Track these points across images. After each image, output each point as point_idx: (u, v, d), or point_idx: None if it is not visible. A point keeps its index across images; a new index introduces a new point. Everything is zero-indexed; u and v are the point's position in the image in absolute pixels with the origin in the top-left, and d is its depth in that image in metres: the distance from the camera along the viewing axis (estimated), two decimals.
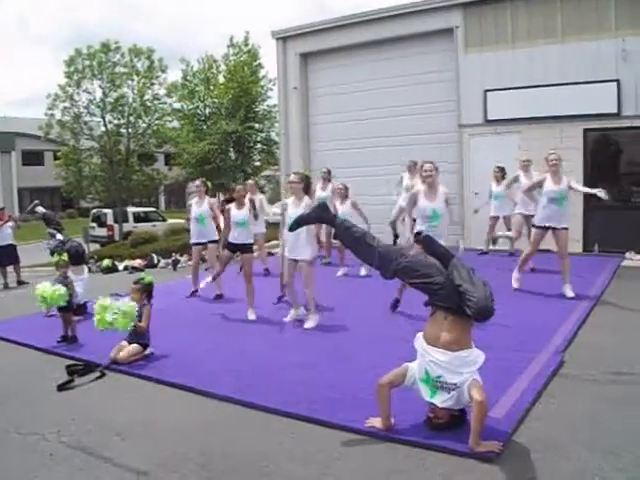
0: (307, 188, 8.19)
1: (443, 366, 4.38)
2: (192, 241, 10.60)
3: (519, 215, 11.45)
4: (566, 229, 9.06)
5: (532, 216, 9.97)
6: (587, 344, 6.77)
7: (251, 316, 8.62)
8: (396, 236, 13.02)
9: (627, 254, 12.39)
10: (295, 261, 8.10)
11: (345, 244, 5.42)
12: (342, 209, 10.92)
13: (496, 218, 12.42)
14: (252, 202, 9.02)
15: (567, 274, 9.06)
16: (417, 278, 4.61)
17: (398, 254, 4.75)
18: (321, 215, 5.37)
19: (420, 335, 4.63)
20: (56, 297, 7.36)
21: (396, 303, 8.43)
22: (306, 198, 8.02)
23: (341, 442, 4.55)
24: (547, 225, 9.12)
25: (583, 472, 3.94)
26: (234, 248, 8.90)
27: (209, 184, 10.65)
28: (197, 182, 10.80)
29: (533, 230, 9.53)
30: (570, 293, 8.91)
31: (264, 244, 12.98)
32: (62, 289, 7.46)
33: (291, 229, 6.09)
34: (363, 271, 11.24)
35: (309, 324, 8.01)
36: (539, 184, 9.26)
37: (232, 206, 8.91)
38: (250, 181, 13.13)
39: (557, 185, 9.00)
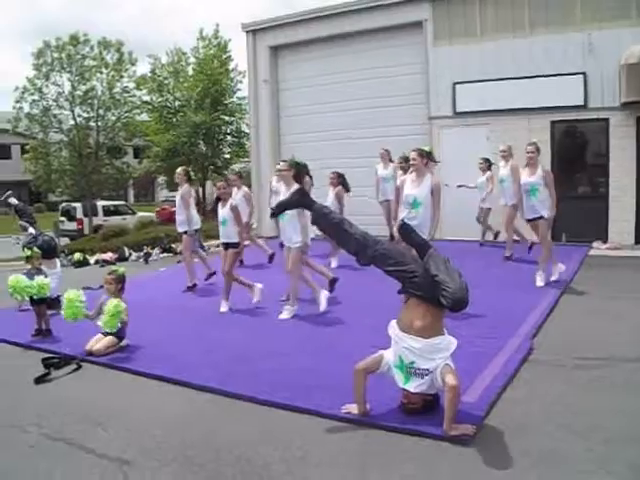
0: (298, 176, 8.17)
1: (416, 353, 4.49)
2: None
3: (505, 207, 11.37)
4: (542, 217, 9.11)
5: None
6: (557, 330, 6.97)
7: (223, 308, 8.67)
8: (392, 236, 12.81)
9: (594, 243, 12.66)
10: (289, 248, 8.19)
11: (322, 229, 5.49)
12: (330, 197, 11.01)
13: (489, 209, 12.52)
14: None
15: (542, 263, 9.20)
16: (392, 266, 4.72)
17: (374, 242, 4.85)
18: (300, 200, 5.49)
19: (394, 322, 4.73)
20: (43, 286, 7.40)
21: None
22: (296, 185, 7.87)
23: (319, 428, 4.66)
24: (528, 218, 9.34)
25: (554, 452, 4.08)
26: (224, 246, 8.95)
27: (191, 173, 10.53)
28: (179, 170, 10.65)
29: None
30: (540, 282, 9.06)
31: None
32: (46, 280, 7.49)
33: (273, 215, 6.24)
34: (334, 263, 11.24)
35: (284, 315, 8.08)
36: (519, 179, 9.43)
37: (220, 204, 8.94)
38: (232, 176, 12.63)
39: (530, 177, 9.10)
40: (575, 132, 13.63)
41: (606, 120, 12.78)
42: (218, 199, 9.27)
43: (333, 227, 5.10)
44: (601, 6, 12.61)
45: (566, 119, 13.29)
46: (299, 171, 8.27)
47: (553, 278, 9.33)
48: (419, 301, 4.58)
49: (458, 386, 4.32)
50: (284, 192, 8.09)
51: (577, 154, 13.69)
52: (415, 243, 4.99)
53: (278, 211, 6.08)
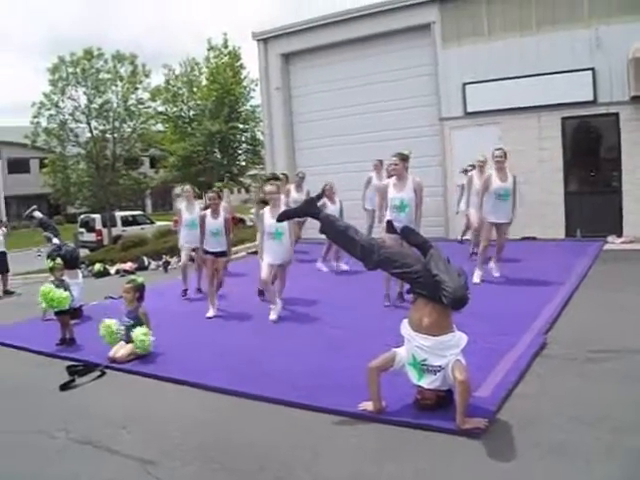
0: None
1: (428, 350, 4.62)
2: (183, 244, 10.76)
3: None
4: (509, 223, 9.49)
5: None
6: (570, 325, 7.03)
7: (209, 313, 8.86)
8: None
9: (609, 238, 12.67)
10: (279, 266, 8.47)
11: (329, 237, 5.75)
12: (333, 210, 11.02)
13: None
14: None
15: (498, 255, 9.71)
16: (397, 268, 4.92)
17: (379, 246, 5.03)
18: (308, 209, 5.66)
19: (405, 321, 4.87)
20: (62, 300, 7.55)
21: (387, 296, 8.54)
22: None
23: (335, 425, 4.80)
24: (492, 221, 9.44)
25: (564, 443, 4.18)
26: (214, 255, 9.10)
27: (197, 189, 10.78)
28: (186, 187, 11.02)
29: (484, 225, 9.74)
30: (477, 279, 9.30)
31: None
32: (66, 293, 7.67)
33: (279, 220, 6.43)
34: (344, 266, 11.45)
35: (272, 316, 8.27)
36: (486, 186, 9.48)
37: (207, 214, 9.05)
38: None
39: (503, 182, 9.31)
40: (586, 128, 13.61)
41: (616, 114, 12.79)
42: (206, 208, 9.41)
43: (340, 235, 5.27)
44: (607, 1, 12.65)
45: (576, 115, 13.30)
46: None
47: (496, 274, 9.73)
48: (426, 300, 4.72)
49: (468, 381, 4.44)
50: (269, 213, 8.34)
51: (589, 149, 13.69)
52: (418, 243, 5.15)
53: (284, 217, 6.31)
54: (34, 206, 11.89)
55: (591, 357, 5.88)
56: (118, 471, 4.33)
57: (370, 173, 13.29)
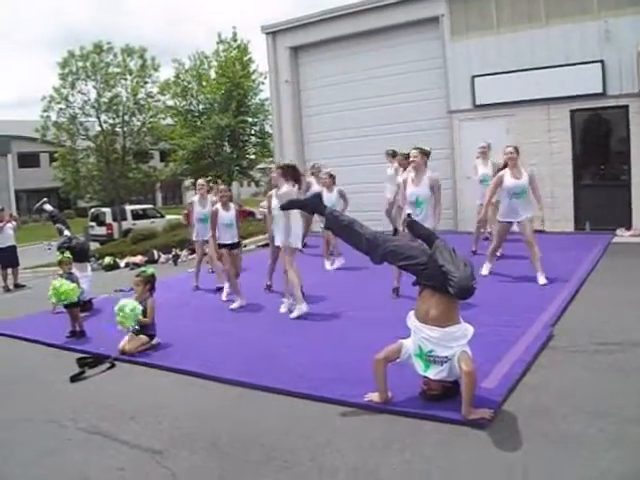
0: (286, 176, 8.30)
1: (434, 342, 4.65)
2: (195, 238, 10.87)
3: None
4: (529, 218, 8.93)
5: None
6: (577, 318, 7.04)
7: (236, 304, 8.91)
8: (395, 230, 12.70)
9: (618, 231, 12.65)
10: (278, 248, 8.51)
11: (334, 232, 5.80)
12: (329, 197, 10.88)
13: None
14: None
15: (538, 262, 8.77)
16: (403, 260, 4.94)
17: (384, 240, 5.06)
18: (312, 203, 5.70)
19: (412, 313, 4.90)
20: (70, 292, 7.60)
21: (396, 290, 8.55)
22: (286, 186, 8.19)
23: (341, 416, 4.84)
24: (510, 220, 9.08)
25: (569, 435, 4.21)
26: (230, 247, 9.19)
27: (212, 184, 10.86)
28: (200, 181, 11.10)
29: (497, 224, 9.45)
30: (543, 280, 8.63)
31: None
32: (74, 284, 7.73)
33: (282, 208, 6.45)
34: (328, 265, 11.46)
35: (293, 314, 8.16)
36: (499, 183, 9.08)
37: (219, 207, 9.15)
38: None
39: (517, 179, 8.86)
40: (595, 120, 13.58)
41: (625, 107, 12.76)
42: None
43: (345, 229, 5.29)
44: None
45: (585, 107, 13.27)
46: (291, 173, 8.36)
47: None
48: (432, 291, 4.74)
49: (474, 372, 4.46)
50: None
51: (598, 142, 13.66)
52: (422, 235, 5.19)
53: (288, 206, 6.33)
54: (44, 199, 11.96)
55: (597, 349, 5.89)
56: (127, 460, 4.38)
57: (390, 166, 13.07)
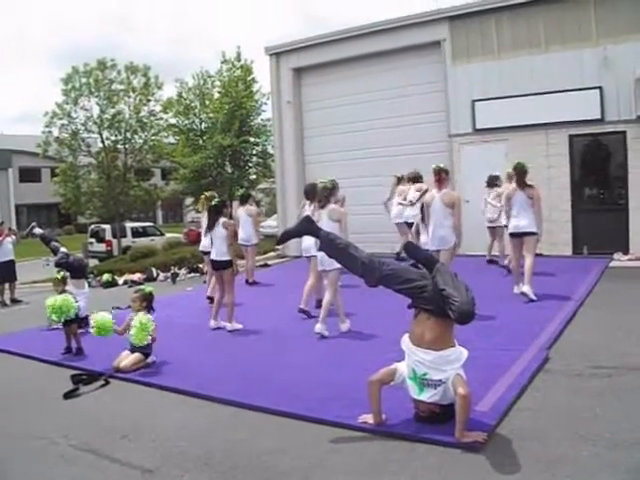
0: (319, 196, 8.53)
1: (428, 365, 4.65)
2: (202, 250, 10.92)
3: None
4: (534, 234, 9.23)
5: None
6: (572, 341, 7.04)
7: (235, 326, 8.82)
8: (398, 254, 12.49)
9: (615, 255, 12.66)
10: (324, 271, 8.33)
11: (330, 255, 5.70)
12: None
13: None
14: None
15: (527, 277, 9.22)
16: (400, 284, 4.92)
17: (380, 263, 5.05)
18: (307, 227, 5.65)
19: (406, 336, 4.90)
20: (66, 303, 7.59)
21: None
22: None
23: (335, 438, 4.81)
24: (514, 231, 9.40)
25: (562, 459, 4.18)
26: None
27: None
28: (208, 194, 11.08)
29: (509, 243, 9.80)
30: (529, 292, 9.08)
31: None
32: (70, 296, 7.72)
33: (279, 243, 6.42)
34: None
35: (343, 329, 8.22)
36: (509, 197, 9.51)
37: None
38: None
39: (522, 191, 9.27)
40: (593, 145, 13.66)
41: (623, 133, 12.86)
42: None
43: (340, 252, 5.29)
44: (615, 21, 12.75)
45: (584, 133, 13.38)
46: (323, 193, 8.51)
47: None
48: (428, 315, 4.74)
49: (468, 395, 4.45)
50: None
51: (596, 167, 13.75)
52: (422, 259, 5.17)
53: (284, 239, 6.11)
54: (33, 223, 12.07)
55: (593, 373, 5.88)
56: (117, 479, 4.36)
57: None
